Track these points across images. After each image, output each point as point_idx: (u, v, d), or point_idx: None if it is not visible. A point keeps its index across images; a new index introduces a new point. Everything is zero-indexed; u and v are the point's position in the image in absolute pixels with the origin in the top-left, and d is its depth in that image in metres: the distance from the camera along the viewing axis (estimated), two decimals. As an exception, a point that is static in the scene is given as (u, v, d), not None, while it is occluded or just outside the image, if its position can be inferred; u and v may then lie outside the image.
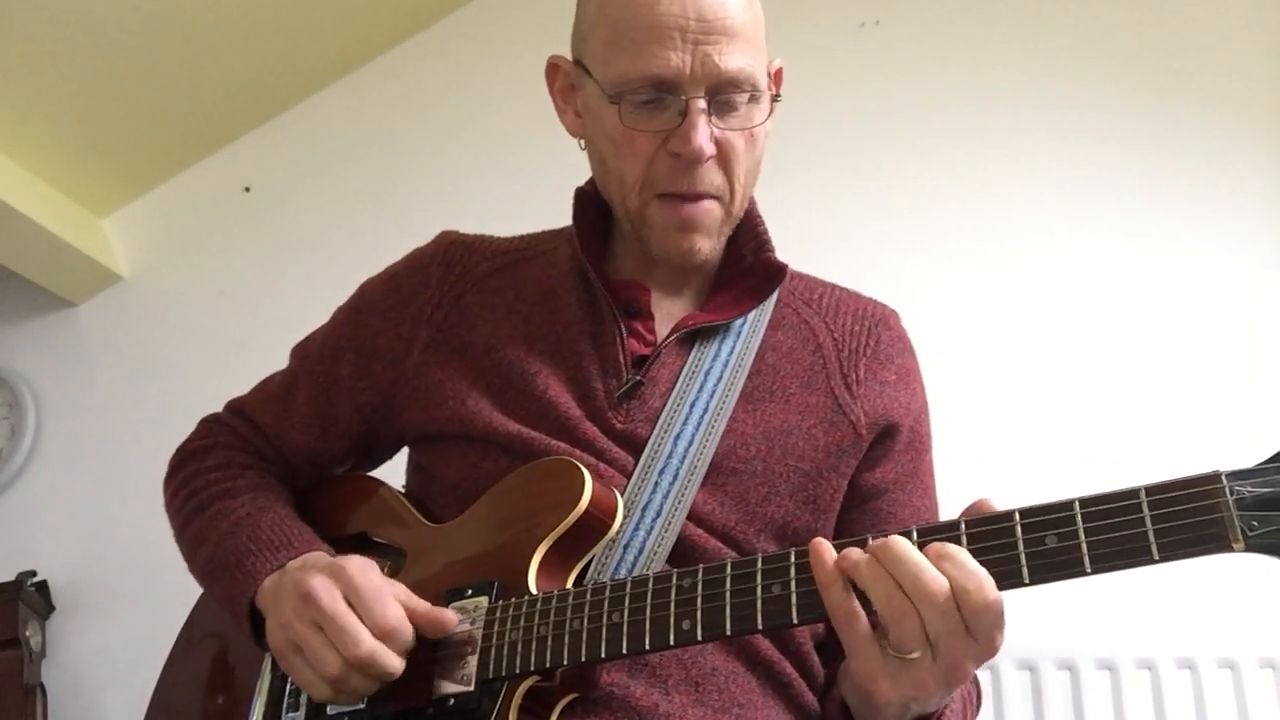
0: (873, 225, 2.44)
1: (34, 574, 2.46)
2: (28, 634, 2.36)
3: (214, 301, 2.68)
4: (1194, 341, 2.27)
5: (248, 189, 2.75)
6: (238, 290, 2.68)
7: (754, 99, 1.07)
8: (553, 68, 1.19)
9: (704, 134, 1.04)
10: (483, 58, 2.70)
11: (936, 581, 0.79)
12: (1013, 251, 2.38)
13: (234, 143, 2.76)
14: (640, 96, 1.05)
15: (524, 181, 2.48)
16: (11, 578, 2.41)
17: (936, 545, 0.81)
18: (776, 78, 1.15)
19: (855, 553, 0.83)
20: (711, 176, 1.08)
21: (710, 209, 1.09)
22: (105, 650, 2.45)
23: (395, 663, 0.95)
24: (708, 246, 1.12)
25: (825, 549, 0.83)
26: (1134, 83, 2.43)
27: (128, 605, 2.45)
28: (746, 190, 1.12)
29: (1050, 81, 2.46)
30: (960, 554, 0.80)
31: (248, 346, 2.55)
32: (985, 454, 2.14)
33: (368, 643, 0.94)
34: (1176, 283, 2.31)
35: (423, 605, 0.98)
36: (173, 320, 2.68)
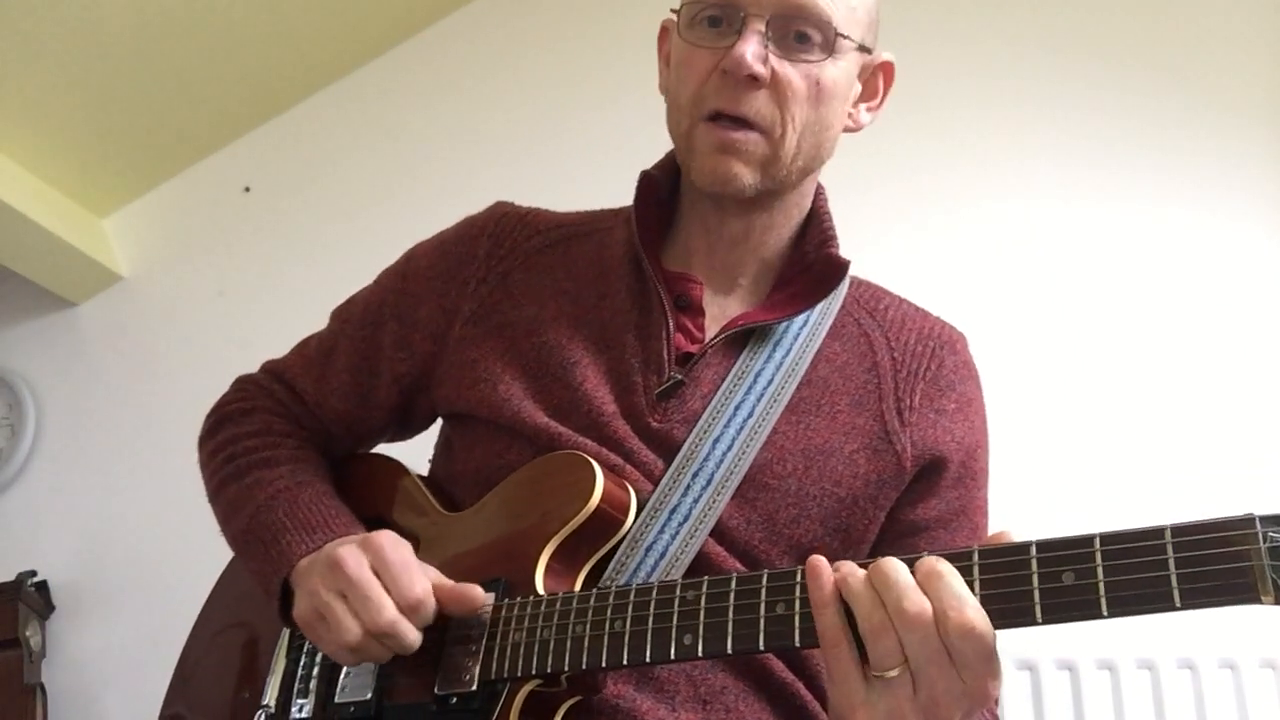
0: (873, 225, 2.44)
1: (34, 574, 2.47)
2: (28, 634, 2.37)
3: (213, 301, 2.68)
4: (1218, 349, 2.26)
5: (248, 189, 2.75)
6: (237, 290, 2.68)
7: (827, 47, 1.03)
8: (663, 31, 1.16)
9: (752, 49, 1.00)
10: (483, 58, 2.70)
11: (917, 605, 0.75)
12: (1014, 251, 2.38)
13: (234, 143, 2.76)
14: (707, 13, 1.04)
15: (524, 181, 2.47)
16: (11, 578, 2.41)
17: (928, 562, 0.77)
18: (885, 73, 1.13)
19: (847, 566, 0.80)
20: (759, 104, 1.03)
21: (753, 139, 1.04)
22: (105, 650, 2.45)
23: (413, 636, 0.95)
24: (748, 177, 1.05)
25: (824, 569, 0.80)
26: (1136, 81, 2.43)
27: (128, 605, 2.45)
28: (802, 139, 1.06)
29: (1051, 80, 2.46)
30: (949, 575, 0.76)
31: (247, 346, 2.53)
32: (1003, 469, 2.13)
33: (389, 612, 0.94)
34: (1193, 285, 2.30)
35: (449, 582, 0.97)
36: (172, 320, 2.69)
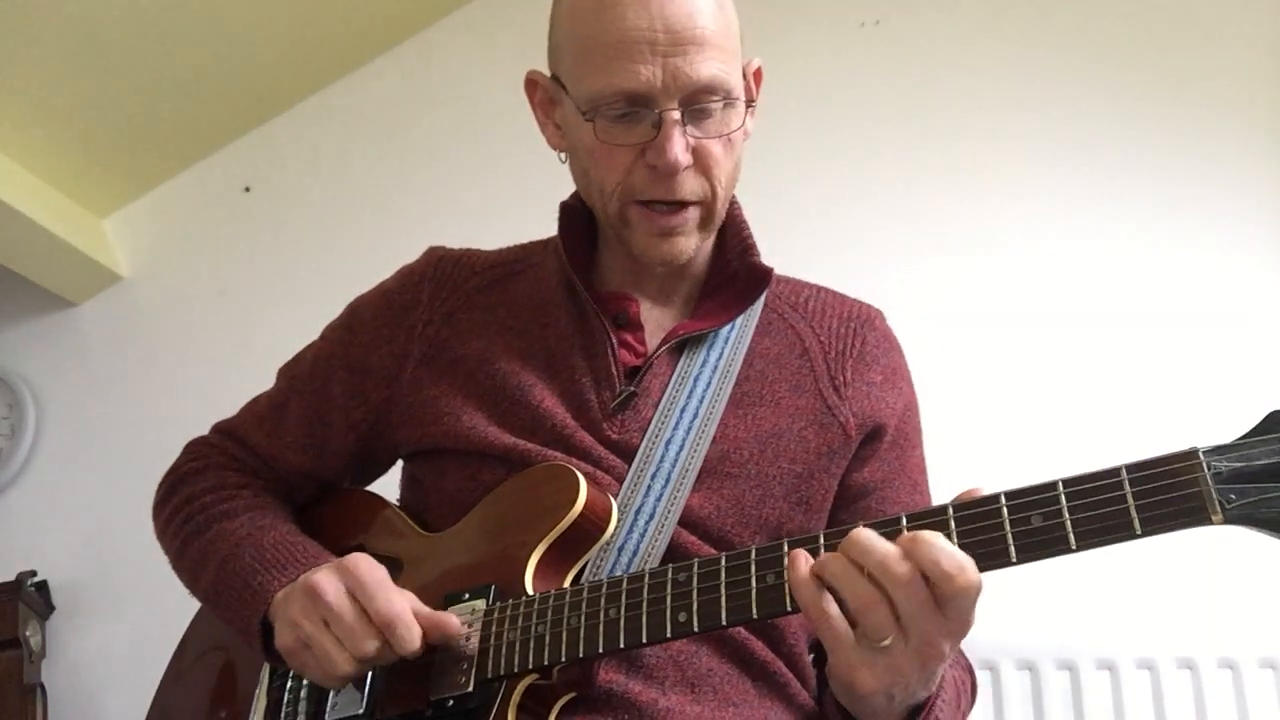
0: (873, 226, 2.44)
1: (34, 574, 2.46)
2: (28, 634, 2.37)
3: (214, 301, 2.68)
4: (1187, 338, 2.27)
5: (248, 189, 2.75)
6: (237, 290, 2.68)
7: (729, 104, 1.07)
8: (531, 83, 1.19)
9: (679, 145, 1.04)
10: (482, 58, 2.70)
11: (901, 565, 0.80)
12: (1014, 251, 2.38)
13: (234, 143, 2.76)
14: (614, 111, 1.05)
15: (523, 181, 2.47)
16: (11, 578, 2.41)
17: (909, 534, 0.82)
18: (756, 77, 1.16)
19: (822, 556, 0.84)
20: (690, 184, 1.08)
21: (691, 215, 1.10)
22: (105, 650, 2.45)
23: (392, 661, 0.98)
24: (691, 246, 1.12)
25: (801, 558, 0.85)
26: (1136, 82, 2.43)
27: (128, 605, 2.45)
28: (727, 192, 1.13)
29: (1051, 81, 2.46)
30: (935, 538, 0.80)
31: (247, 346, 2.55)
32: (989, 451, 2.14)
33: (374, 642, 0.96)
34: (1173, 282, 2.31)
35: (425, 609, 0.99)
36: (173, 320, 2.69)
